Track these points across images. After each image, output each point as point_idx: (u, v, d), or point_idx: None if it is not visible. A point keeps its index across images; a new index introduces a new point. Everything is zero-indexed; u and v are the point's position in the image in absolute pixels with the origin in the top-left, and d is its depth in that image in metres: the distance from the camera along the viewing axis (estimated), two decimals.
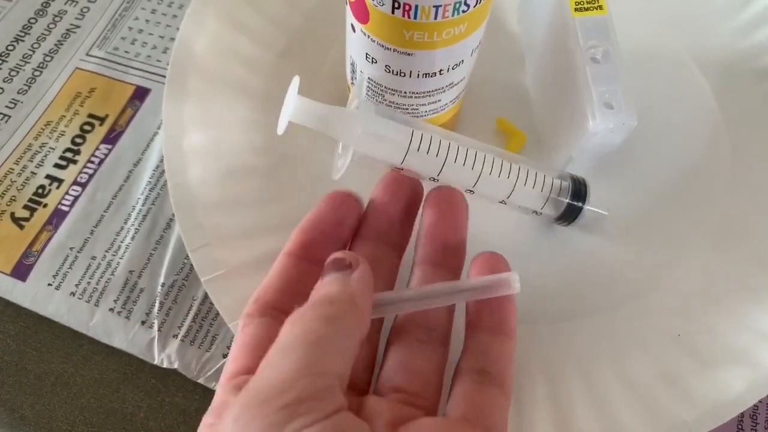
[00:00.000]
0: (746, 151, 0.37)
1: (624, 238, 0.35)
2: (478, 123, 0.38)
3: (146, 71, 0.41)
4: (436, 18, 0.26)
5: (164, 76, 0.37)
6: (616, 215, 0.34)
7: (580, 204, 0.31)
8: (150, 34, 0.42)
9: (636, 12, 0.40)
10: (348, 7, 0.29)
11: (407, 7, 0.26)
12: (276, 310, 0.25)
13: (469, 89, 0.35)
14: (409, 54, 0.29)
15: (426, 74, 0.30)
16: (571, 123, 0.32)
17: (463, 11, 0.27)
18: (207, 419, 0.22)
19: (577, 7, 0.32)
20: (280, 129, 0.27)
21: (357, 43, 0.30)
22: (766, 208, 0.35)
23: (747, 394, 0.29)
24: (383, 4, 0.26)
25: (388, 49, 0.29)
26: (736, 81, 0.39)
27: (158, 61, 0.41)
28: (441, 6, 0.26)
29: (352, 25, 0.30)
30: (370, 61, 0.30)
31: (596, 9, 0.32)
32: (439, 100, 0.33)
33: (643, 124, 0.33)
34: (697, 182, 0.37)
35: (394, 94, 0.32)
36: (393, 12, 0.26)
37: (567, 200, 0.31)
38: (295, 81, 0.27)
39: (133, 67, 0.41)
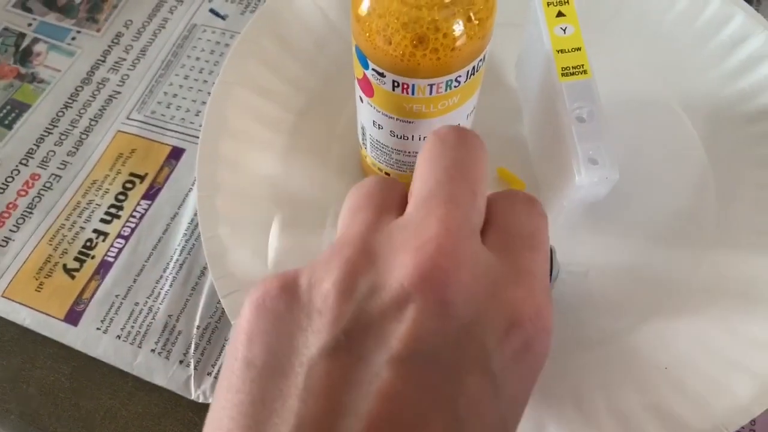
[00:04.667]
0: (733, 195, 0.39)
1: (613, 283, 0.37)
2: None
3: (181, 132, 0.45)
4: (431, 94, 0.30)
5: (197, 137, 0.41)
6: (608, 258, 0.37)
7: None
8: (183, 98, 0.46)
9: (623, 60, 0.43)
10: (356, 82, 0.33)
11: (405, 86, 0.30)
12: None
13: None
14: (410, 122, 0.32)
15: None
16: (561, 176, 0.35)
17: (455, 87, 0.30)
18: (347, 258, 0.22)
19: (564, 72, 0.35)
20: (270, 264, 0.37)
21: (365, 112, 0.34)
22: (752, 252, 0.37)
23: (728, 425, 0.31)
24: (385, 84, 0.30)
25: (391, 118, 0.33)
26: (722, 126, 0.41)
27: (191, 123, 0.45)
28: (434, 84, 0.30)
29: (360, 97, 0.34)
30: (377, 127, 0.34)
31: (581, 74, 0.35)
32: None
33: (633, 171, 0.35)
34: (685, 227, 0.39)
35: (399, 154, 0.35)
36: (393, 90, 0.30)
37: None
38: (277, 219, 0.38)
39: (169, 129, 0.45)
